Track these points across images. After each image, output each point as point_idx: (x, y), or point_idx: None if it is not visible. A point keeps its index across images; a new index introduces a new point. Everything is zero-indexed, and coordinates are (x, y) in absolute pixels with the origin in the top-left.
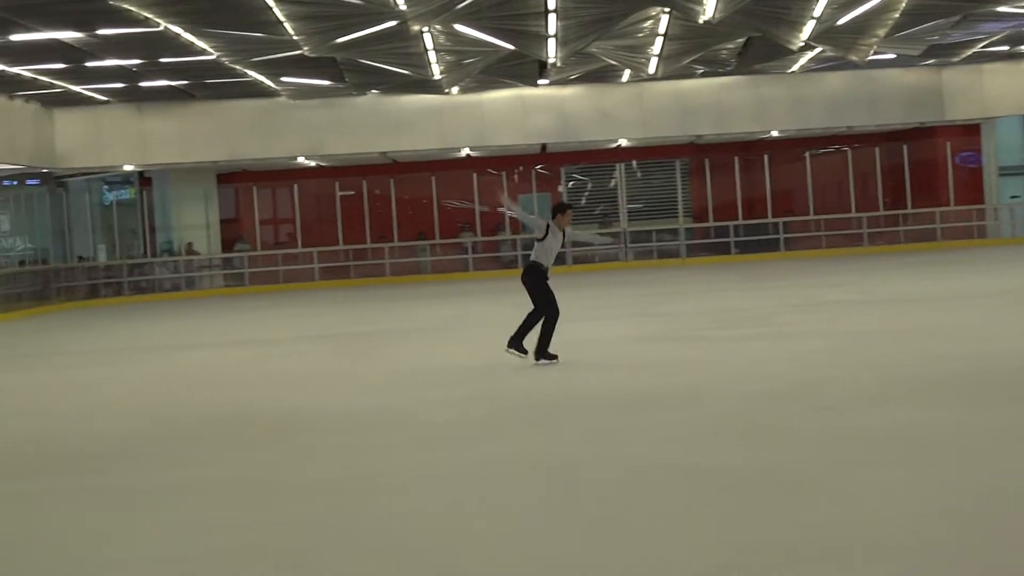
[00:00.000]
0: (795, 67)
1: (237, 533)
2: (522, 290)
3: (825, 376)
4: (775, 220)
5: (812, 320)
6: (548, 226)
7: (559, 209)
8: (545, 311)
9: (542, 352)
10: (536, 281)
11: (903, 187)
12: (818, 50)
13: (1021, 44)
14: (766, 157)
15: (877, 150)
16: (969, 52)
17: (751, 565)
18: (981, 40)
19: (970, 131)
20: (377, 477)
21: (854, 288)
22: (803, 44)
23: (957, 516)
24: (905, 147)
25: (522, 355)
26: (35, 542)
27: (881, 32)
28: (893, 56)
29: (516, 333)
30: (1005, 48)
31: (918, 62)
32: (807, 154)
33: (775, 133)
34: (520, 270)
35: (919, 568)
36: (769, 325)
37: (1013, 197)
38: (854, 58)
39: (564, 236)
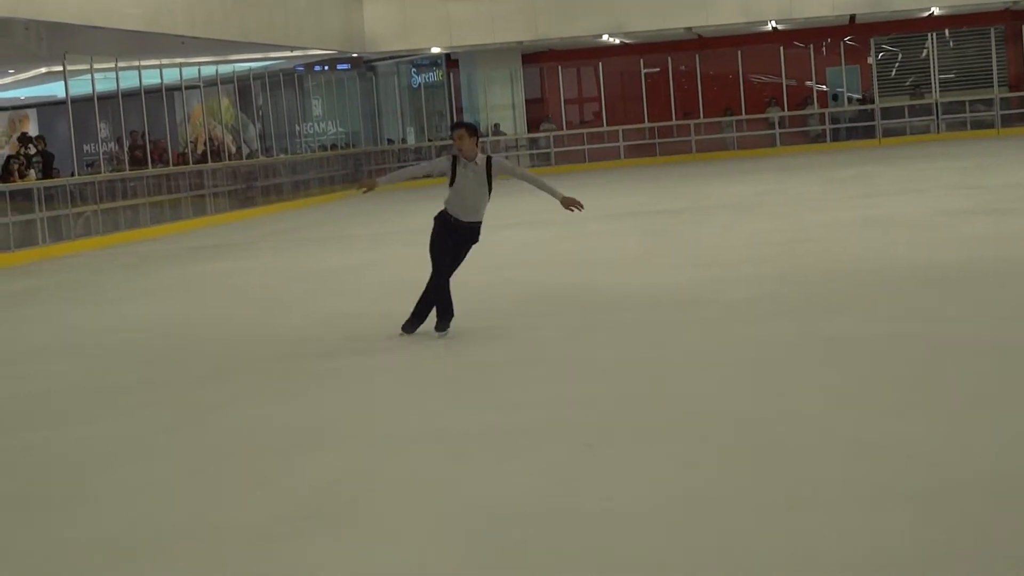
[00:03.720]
0: None
1: (532, 411)
2: (829, 165)
3: None
4: None
5: None
6: (454, 161)
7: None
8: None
9: (410, 323)
10: (435, 235)
11: None
12: None
13: None
14: None
15: None
16: None
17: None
18: None
19: None
20: (661, 360)
21: None
22: None
23: None
24: None
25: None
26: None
27: None
28: None
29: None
30: None
31: None
32: None
33: None
34: (828, 144)
35: None
36: None
37: None
38: None
39: (488, 172)
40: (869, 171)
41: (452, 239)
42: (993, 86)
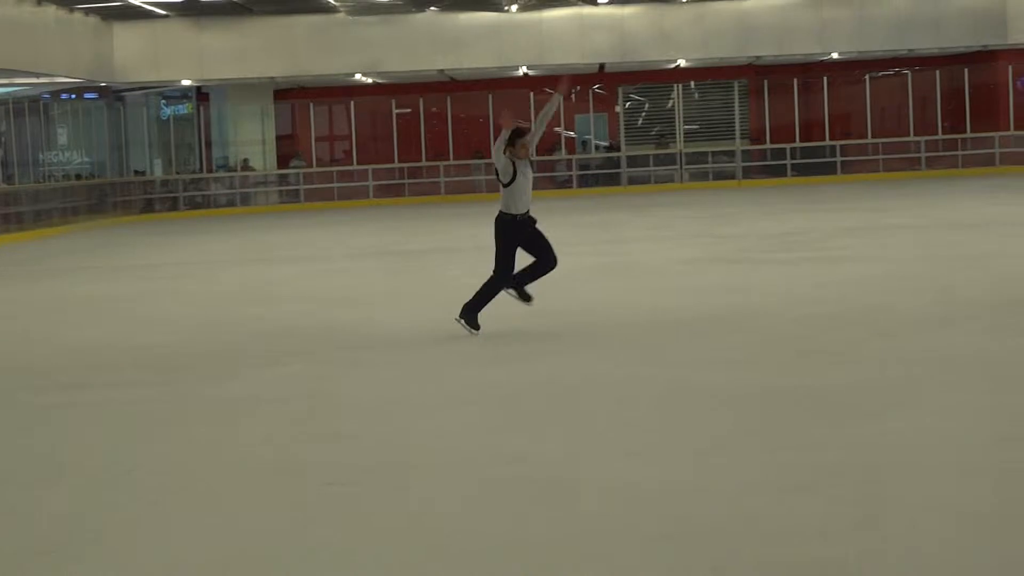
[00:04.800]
0: None
1: (275, 449)
2: (575, 211)
3: (885, 301)
4: (832, 143)
5: (870, 244)
6: (514, 165)
7: (511, 142)
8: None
9: (468, 311)
10: (508, 237)
11: (963, 111)
12: None
13: None
14: (825, 79)
15: (937, 73)
16: None
17: (821, 483)
18: None
19: None
20: (403, 399)
21: (912, 212)
22: None
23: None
24: (966, 70)
25: (473, 331)
26: (96, 446)
27: None
28: None
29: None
30: None
31: None
32: (867, 77)
33: (835, 55)
34: (574, 190)
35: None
36: (826, 248)
37: None
38: None
39: (532, 166)
40: (613, 218)
41: (522, 235)
42: (735, 138)
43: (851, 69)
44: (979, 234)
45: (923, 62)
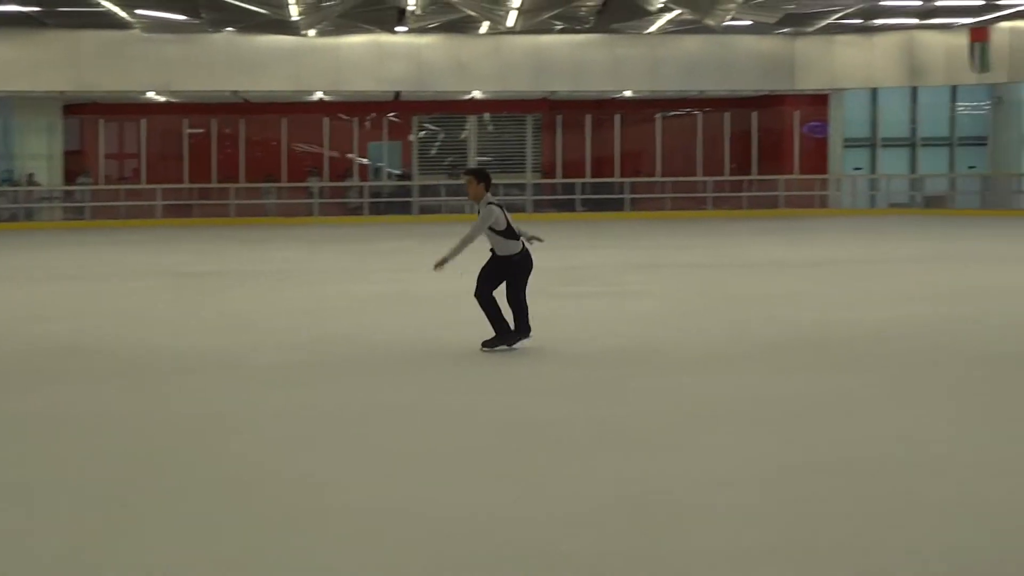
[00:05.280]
0: (652, 28)
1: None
2: (365, 238)
3: (665, 336)
4: (622, 180)
5: (655, 281)
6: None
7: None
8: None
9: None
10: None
11: (750, 153)
12: (676, 13)
13: (872, 18)
14: (617, 117)
15: (727, 115)
16: (822, 23)
17: (593, 518)
18: (835, 12)
19: (818, 101)
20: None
21: (698, 251)
22: (661, 6)
23: (784, 481)
24: (754, 114)
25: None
26: None
27: None
28: (749, 23)
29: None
30: (857, 21)
31: (772, 30)
32: (658, 116)
33: (628, 93)
34: (365, 217)
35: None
36: (613, 284)
37: (856, 169)
38: (711, 23)
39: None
40: (402, 246)
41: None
42: (527, 171)
43: (643, 108)
44: (762, 275)
45: (713, 104)
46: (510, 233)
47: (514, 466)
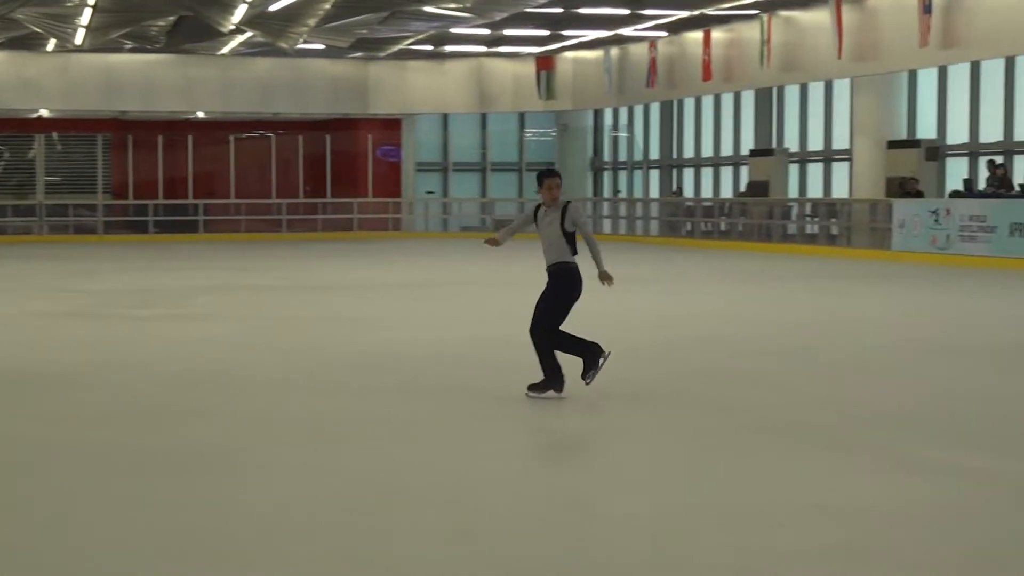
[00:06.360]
0: (225, 50)
1: None
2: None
3: (232, 359)
4: (196, 201)
5: (229, 303)
6: (536, 211)
7: (538, 181)
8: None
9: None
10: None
11: (324, 176)
12: (248, 35)
13: (444, 44)
14: (191, 138)
15: (301, 138)
16: (394, 48)
17: (174, 547)
18: (407, 37)
19: (391, 126)
20: None
21: (271, 273)
22: (234, 27)
23: (355, 502)
24: (328, 137)
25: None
26: None
27: (311, 22)
28: (322, 47)
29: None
30: (429, 47)
31: (346, 54)
32: (232, 137)
33: (201, 114)
34: None
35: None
36: (185, 306)
37: (428, 192)
38: (284, 45)
39: (563, 220)
40: None
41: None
42: (98, 192)
43: (216, 129)
44: (337, 297)
45: (287, 126)
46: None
47: (49, 495)
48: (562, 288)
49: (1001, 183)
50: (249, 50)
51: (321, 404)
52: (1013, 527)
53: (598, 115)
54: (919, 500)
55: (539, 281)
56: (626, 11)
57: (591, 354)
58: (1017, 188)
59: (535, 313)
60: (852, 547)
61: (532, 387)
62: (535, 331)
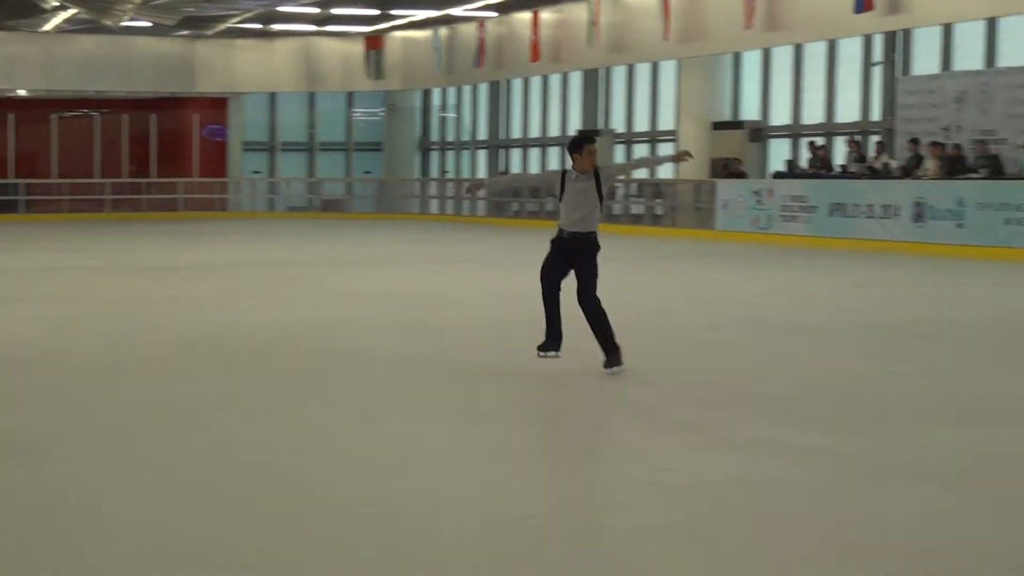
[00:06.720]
0: (48, 27)
1: None
2: None
3: (62, 342)
4: (17, 181)
5: (54, 285)
6: (563, 176)
7: (575, 147)
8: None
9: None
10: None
11: (149, 155)
12: (72, 11)
13: (272, 23)
14: (12, 116)
15: (126, 117)
16: (222, 27)
17: None
18: (233, 16)
19: (218, 105)
20: None
21: (96, 254)
22: (56, 4)
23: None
24: (154, 116)
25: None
26: None
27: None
28: (148, 24)
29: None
30: (257, 26)
31: (172, 32)
32: (54, 116)
33: (23, 92)
34: None
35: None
36: (11, 289)
37: (255, 172)
38: (108, 23)
39: (599, 180)
40: None
41: (560, 254)
42: None
43: (39, 107)
44: (162, 277)
45: (112, 104)
46: None
47: None
48: (596, 258)
49: (822, 164)
50: (73, 27)
51: (147, 387)
52: (842, 504)
53: (427, 95)
54: (741, 476)
55: (372, 262)
56: None
57: (614, 352)
58: (837, 168)
59: (581, 283)
60: (682, 525)
61: (550, 349)
62: (587, 300)
